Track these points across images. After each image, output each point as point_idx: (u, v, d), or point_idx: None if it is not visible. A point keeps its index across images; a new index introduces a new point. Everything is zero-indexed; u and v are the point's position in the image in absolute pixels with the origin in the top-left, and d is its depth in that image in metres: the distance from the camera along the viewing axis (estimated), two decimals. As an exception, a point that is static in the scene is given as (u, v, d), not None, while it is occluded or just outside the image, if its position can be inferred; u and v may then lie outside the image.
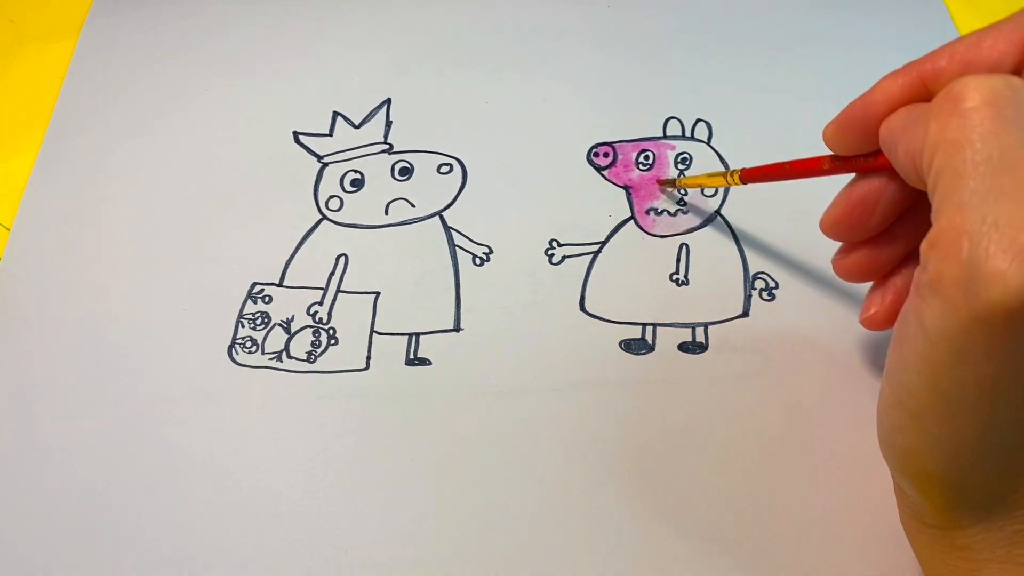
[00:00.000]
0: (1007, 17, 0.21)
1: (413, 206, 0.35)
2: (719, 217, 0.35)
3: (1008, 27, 0.21)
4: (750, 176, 0.30)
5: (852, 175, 0.26)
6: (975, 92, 0.19)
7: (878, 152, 0.24)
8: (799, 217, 0.34)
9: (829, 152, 0.26)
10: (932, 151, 0.19)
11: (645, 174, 0.36)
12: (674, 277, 0.34)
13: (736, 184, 0.31)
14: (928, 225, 0.21)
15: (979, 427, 0.20)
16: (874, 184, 0.25)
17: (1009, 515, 0.21)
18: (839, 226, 0.26)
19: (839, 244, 0.28)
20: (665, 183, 0.35)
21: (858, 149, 0.24)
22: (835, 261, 0.28)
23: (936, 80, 0.22)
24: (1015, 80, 0.19)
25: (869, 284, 0.28)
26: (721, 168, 0.36)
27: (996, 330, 0.18)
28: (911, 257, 0.27)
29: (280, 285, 0.33)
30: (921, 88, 0.22)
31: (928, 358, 0.19)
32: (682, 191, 0.35)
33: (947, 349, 0.19)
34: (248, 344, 0.32)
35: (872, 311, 0.27)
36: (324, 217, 0.35)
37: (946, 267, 0.18)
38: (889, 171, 0.24)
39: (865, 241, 0.26)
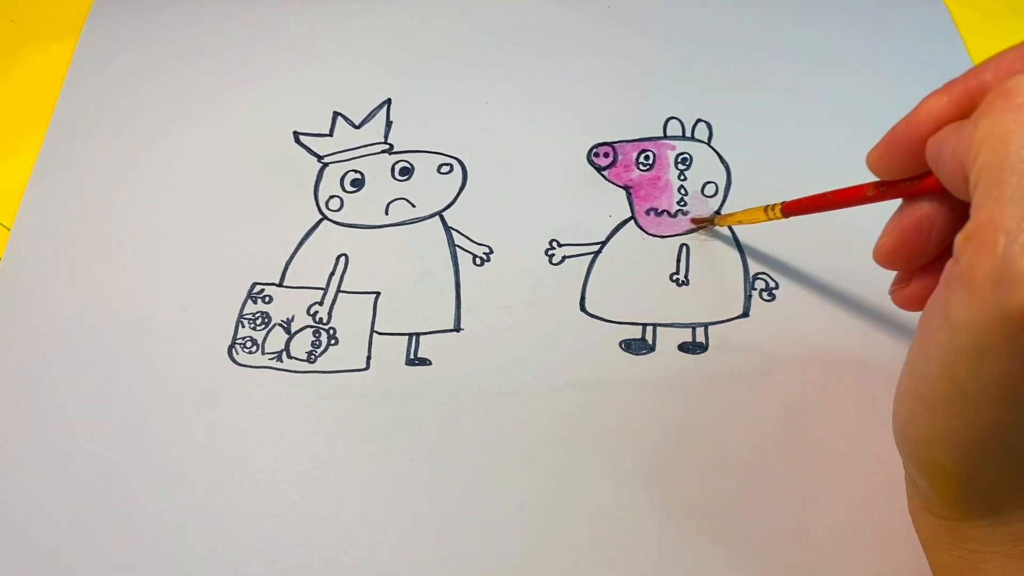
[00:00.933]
0: None
1: (413, 206, 0.35)
2: (713, 226, 0.35)
3: None
4: (792, 209, 0.29)
5: (898, 200, 0.25)
6: None
7: (926, 174, 0.23)
8: (799, 217, 0.34)
9: (871, 177, 0.25)
10: (978, 147, 0.19)
11: (645, 174, 0.36)
12: (674, 277, 0.34)
13: (778, 218, 0.30)
14: None
15: (994, 425, 0.20)
16: (925, 208, 0.24)
17: (1017, 512, 0.21)
18: (895, 255, 0.25)
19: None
20: (701, 222, 0.34)
21: (904, 173, 0.24)
22: (894, 292, 0.26)
23: (983, 94, 0.21)
24: None
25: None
26: (723, 168, 0.36)
27: (1022, 330, 0.17)
28: None
29: (280, 285, 0.33)
30: (968, 105, 0.22)
31: (950, 351, 0.19)
32: (684, 204, 0.35)
33: (970, 344, 0.19)
34: (248, 344, 0.32)
35: (903, 287, 0.26)
36: (324, 217, 0.35)
37: (979, 261, 0.18)
38: (939, 192, 0.23)
39: (923, 268, 0.25)
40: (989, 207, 0.18)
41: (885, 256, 0.25)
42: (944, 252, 0.25)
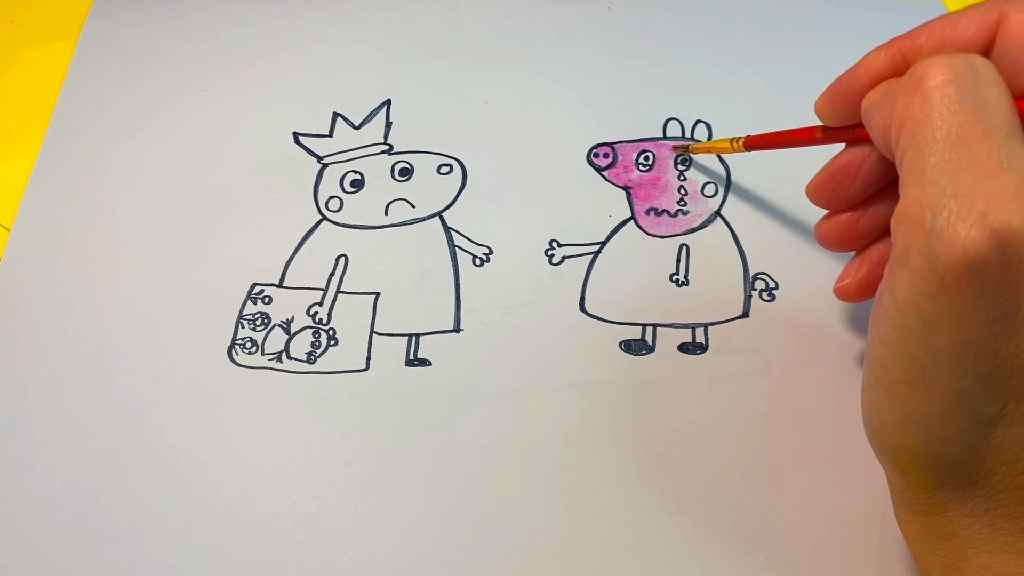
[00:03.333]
0: (981, 3, 0.22)
1: (413, 207, 0.35)
2: (719, 217, 0.35)
3: (985, 8, 0.22)
4: (754, 143, 0.31)
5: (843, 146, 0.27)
6: (937, 72, 0.20)
7: (862, 124, 0.25)
8: (799, 218, 0.34)
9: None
10: (898, 128, 0.21)
11: (645, 175, 0.36)
12: (674, 277, 0.34)
13: (740, 151, 0.32)
14: None
15: (952, 398, 0.20)
16: (856, 154, 0.26)
17: (988, 497, 0.22)
18: (821, 190, 0.27)
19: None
20: (679, 148, 0.36)
21: (845, 120, 0.26)
22: (816, 226, 0.29)
23: (915, 55, 0.23)
24: (977, 59, 0.20)
25: (870, 300, 0.28)
26: (722, 169, 0.36)
27: (960, 295, 0.19)
28: (887, 233, 0.27)
29: (280, 286, 0.33)
30: (902, 63, 0.23)
31: (900, 328, 0.20)
32: (682, 186, 0.35)
33: (917, 318, 0.19)
34: (248, 345, 0.32)
35: (845, 282, 0.28)
36: (324, 218, 0.35)
37: (912, 239, 0.19)
38: (871, 143, 0.25)
39: (845, 209, 0.27)
40: (913, 188, 0.19)
41: (813, 190, 0.28)
42: (866, 200, 0.27)
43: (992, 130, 0.19)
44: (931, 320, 0.19)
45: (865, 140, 0.26)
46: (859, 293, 0.28)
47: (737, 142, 0.32)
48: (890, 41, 0.24)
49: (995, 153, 0.19)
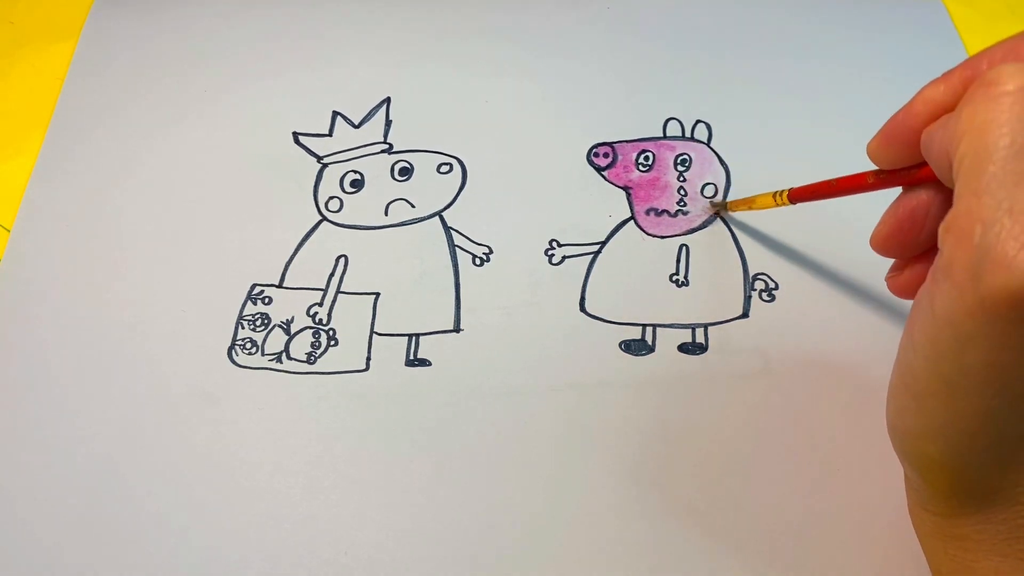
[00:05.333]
0: None
1: (413, 206, 0.35)
2: (719, 218, 0.35)
3: None
4: (799, 196, 0.29)
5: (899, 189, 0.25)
6: (1010, 78, 0.19)
7: (922, 163, 0.23)
8: (799, 217, 0.34)
9: (871, 166, 0.25)
10: (960, 136, 0.19)
11: (645, 175, 0.36)
12: (674, 278, 0.34)
13: (784, 204, 0.30)
14: None
15: (980, 416, 0.20)
16: (921, 197, 0.24)
17: (1009, 509, 0.21)
18: (890, 242, 0.25)
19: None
20: (718, 206, 0.35)
21: (902, 162, 0.24)
22: (889, 279, 0.26)
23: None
24: None
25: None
26: (722, 169, 0.36)
27: (1000, 318, 0.18)
28: None
29: (280, 286, 0.33)
30: (963, 94, 0.22)
31: (934, 341, 0.19)
32: (682, 200, 0.35)
33: (952, 334, 0.19)
34: (248, 345, 0.32)
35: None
36: (324, 218, 0.35)
37: (958, 252, 0.18)
38: (935, 182, 0.23)
39: (918, 257, 0.25)
40: (967, 198, 0.18)
41: (880, 243, 0.25)
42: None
43: None
44: (965, 338, 0.18)
45: (926, 180, 0.24)
46: (914, 290, 0.25)
47: (781, 196, 0.30)
48: (946, 74, 0.22)
49: None
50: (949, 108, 0.22)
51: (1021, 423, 0.20)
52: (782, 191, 0.30)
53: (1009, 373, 0.19)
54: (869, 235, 0.26)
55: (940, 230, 0.19)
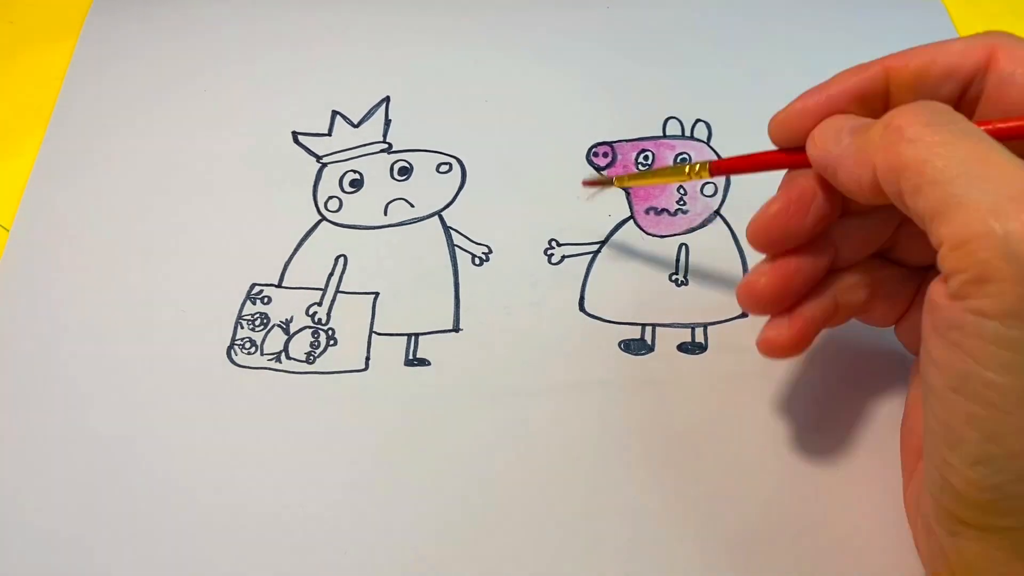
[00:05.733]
0: (975, 34, 0.23)
1: (412, 206, 0.35)
2: (719, 217, 0.35)
3: (976, 40, 0.23)
4: (718, 168, 0.28)
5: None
6: (914, 116, 0.20)
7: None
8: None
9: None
10: (895, 175, 0.20)
11: (644, 174, 0.36)
12: (674, 277, 0.34)
13: (703, 177, 0.28)
14: (846, 250, 0.26)
15: None
16: (808, 184, 0.25)
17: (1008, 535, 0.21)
18: (775, 221, 0.25)
19: None
20: (594, 182, 0.33)
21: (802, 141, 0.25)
22: (747, 282, 0.26)
23: (900, 72, 0.24)
24: (939, 104, 0.21)
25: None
26: None
27: None
28: (817, 293, 0.27)
29: (279, 286, 0.33)
30: (881, 83, 0.24)
31: (1007, 344, 0.19)
32: (682, 191, 0.35)
33: (1021, 326, 0.19)
34: (247, 345, 0.32)
35: (774, 334, 0.26)
36: (323, 218, 0.35)
37: (985, 252, 0.19)
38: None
39: (783, 261, 0.26)
40: (958, 212, 0.19)
41: (766, 222, 0.26)
42: (810, 244, 0.26)
43: (994, 148, 0.19)
44: None
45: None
46: (793, 346, 0.26)
47: (696, 169, 0.28)
48: (868, 62, 0.24)
49: (1013, 162, 0.19)
50: (866, 93, 0.24)
51: None
52: (704, 163, 0.28)
53: None
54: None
55: (945, 253, 0.20)
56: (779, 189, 0.26)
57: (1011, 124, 0.22)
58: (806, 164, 0.25)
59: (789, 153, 0.26)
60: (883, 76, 0.24)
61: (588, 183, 0.33)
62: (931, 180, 0.20)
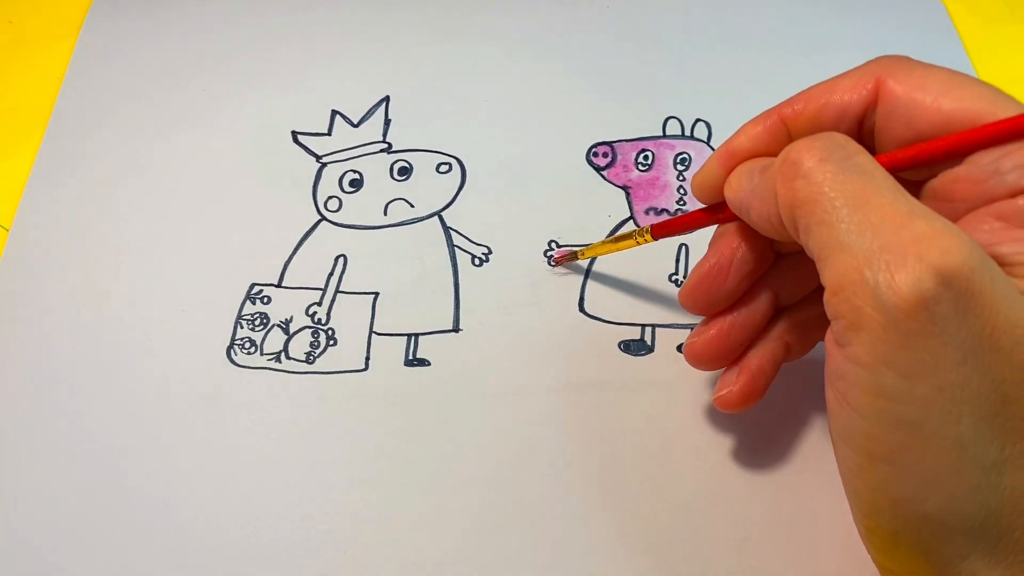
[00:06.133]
0: (863, 64, 0.23)
1: (412, 206, 0.35)
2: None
3: (860, 73, 0.23)
4: (661, 231, 0.29)
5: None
6: (809, 153, 0.21)
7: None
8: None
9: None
10: (790, 211, 0.21)
11: (644, 174, 0.36)
12: (673, 278, 0.34)
13: (648, 242, 0.29)
14: (786, 289, 0.26)
15: (953, 448, 0.19)
16: (723, 251, 0.26)
17: (1015, 556, 0.20)
18: (698, 290, 0.26)
19: None
20: (565, 258, 0.33)
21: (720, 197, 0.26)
22: (689, 343, 0.27)
23: (795, 120, 0.24)
24: (838, 136, 0.21)
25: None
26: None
27: (926, 336, 0.18)
28: (763, 338, 0.27)
29: (279, 286, 0.33)
30: (782, 130, 0.24)
31: (880, 391, 0.19)
32: (682, 197, 0.35)
33: (894, 374, 0.19)
34: (247, 345, 0.32)
35: (725, 391, 0.27)
36: (323, 218, 0.35)
37: (858, 300, 0.19)
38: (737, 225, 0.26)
39: (719, 314, 0.27)
40: (839, 256, 0.19)
41: (689, 291, 0.27)
42: (739, 303, 0.27)
43: (882, 189, 0.20)
44: (909, 370, 0.19)
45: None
46: (743, 401, 0.27)
47: (643, 235, 0.29)
48: (768, 111, 0.25)
49: (896, 205, 0.19)
50: (768, 145, 0.24)
51: (991, 447, 0.19)
52: (642, 229, 0.29)
53: (960, 392, 0.19)
54: None
55: (826, 297, 0.20)
56: (707, 251, 0.27)
57: (901, 154, 0.22)
58: (728, 216, 0.26)
59: (713, 210, 0.27)
60: (780, 125, 0.24)
61: (557, 261, 0.34)
62: (819, 221, 0.20)
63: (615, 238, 0.31)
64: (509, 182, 0.36)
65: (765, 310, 0.27)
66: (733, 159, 0.25)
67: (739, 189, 0.24)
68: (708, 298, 0.26)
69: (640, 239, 0.29)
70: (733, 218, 0.26)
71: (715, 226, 0.27)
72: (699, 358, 0.27)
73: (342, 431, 0.30)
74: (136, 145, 0.37)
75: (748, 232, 0.26)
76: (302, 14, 0.41)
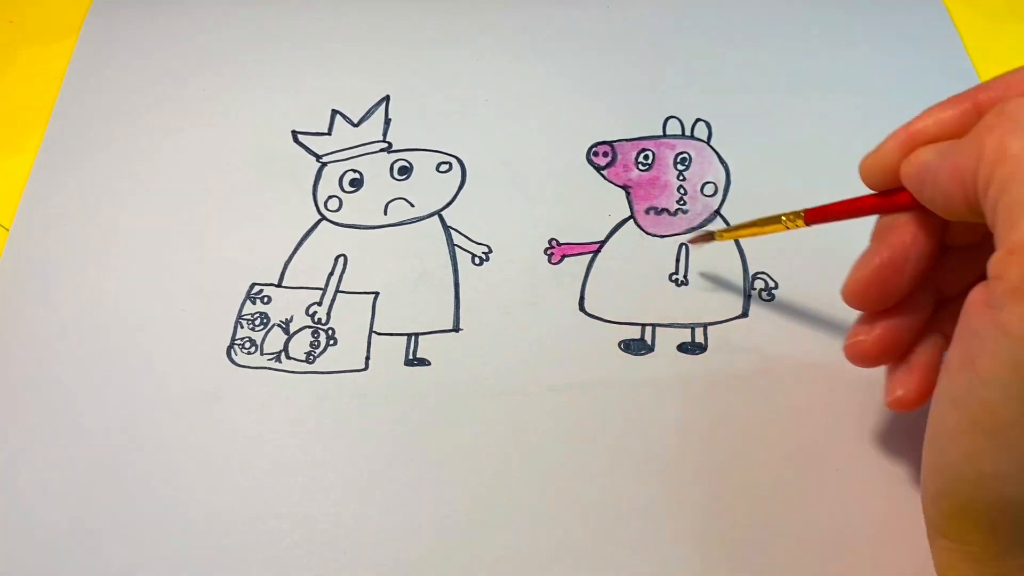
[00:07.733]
0: None
1: (412, 206, 0.35)
2: (719, 217, 0.35)
3: None
4: (815, 216, 0.27)
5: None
6: None
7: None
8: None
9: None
10: (990, 167, 0.19)
11: (645, 174, 0.36)
12: (673, 277, 0.34)
13: (799, 227, 0.28)
14: (951, 282, 0.25)
15: None
16: (898, 244, 0.24)
17: None
18: (871, 289, 0.25)
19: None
20: (700, 240, 0.32)
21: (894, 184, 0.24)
22: (857, 342, 0.26)
23: (992, 107, 0.22)
24: None
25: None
26: (722, 168, 0.36)
27: None
28: (928, 332, 0.26)
29: (279, 286, 0.33)
30: (974, 118, 0.22)
31: (1017, 367, 0.18)
32: (681, 195, 0.35)
33: None
34: (247, 345, 0.32)
35: (900, 392, 0.26)
36: (323, 217, 0.35)
37: None
38: (916, 218, 0.24)
39: (889, 311, 0.26)
40: None
41: (860, 291, 0.25)
42: (908, 298, 0.25)
43: None
44: None
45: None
46: (921, 399, 0.25)
47: (793, 219, 0.28)
48: (960, 95, 0.23)
49: None
50: (957, 131, 0.22)
51: None
52: (795, 213, 0.28)
53: None
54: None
55: (997, 259, 0.19)
56: (870, 245, 0.25)
57: None
58: (901, 203, 0.24)
59: (884, 195, 0.25)
60: (973, 112, 0.23)
61: (693, 241, 0.33)
62: (1020, 178, 0.19)
63: (761, 220, 0.29)
64: (509, 181, 0.36)
65: (931, 304, 0.26)
66: (913, 142, 0.23)
67: (925, 162, 0.23)
68: (882, 294, 0.25)
69: (790, 224, 0.28)
70: (901, 206, 0.24)
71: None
72: (867, 357, 0.26)
73: (342, 431, 0.30)
74: (136, 144, 0.37)
75: (922, 224, 0.24)
76: (302, 14, 0.41)
